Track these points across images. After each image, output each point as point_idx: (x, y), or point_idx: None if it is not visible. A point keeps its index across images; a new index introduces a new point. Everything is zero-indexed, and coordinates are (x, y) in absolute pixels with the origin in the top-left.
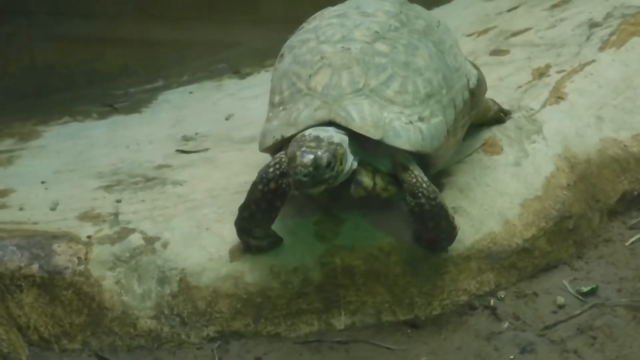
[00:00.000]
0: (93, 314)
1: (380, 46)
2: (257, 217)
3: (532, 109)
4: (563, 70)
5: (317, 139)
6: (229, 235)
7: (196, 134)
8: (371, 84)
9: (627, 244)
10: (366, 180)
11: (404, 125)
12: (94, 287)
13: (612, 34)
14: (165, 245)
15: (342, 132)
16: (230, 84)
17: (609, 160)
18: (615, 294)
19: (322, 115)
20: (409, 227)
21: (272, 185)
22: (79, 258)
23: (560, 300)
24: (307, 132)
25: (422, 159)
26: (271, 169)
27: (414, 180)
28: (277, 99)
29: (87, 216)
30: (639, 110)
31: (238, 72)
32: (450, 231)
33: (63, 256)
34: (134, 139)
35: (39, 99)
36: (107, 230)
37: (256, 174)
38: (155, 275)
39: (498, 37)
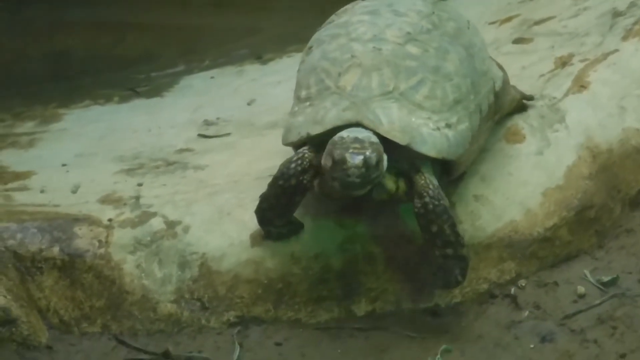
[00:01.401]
0: (113, 298)
1: (412, 48)
2: (276, 210)
3: (554, 98)
4: (586, 60)
5: (358, 140)
6: (250, 220)
7: (218, 118)
8: (401, 87)
9: None
10: (389, 183)
11: (431, 132)
12: (115, 270)
13: (635, 23)
14: (186, 230)
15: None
16: (252, 70)
17: (631, 151)
18: (636, 285)
19: (349, 116)
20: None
21: (293, 181)
22: (99, 241)
23: (581, 289)
24: (343, 134)
25: (445, 164)
26: (293, 165)
27: (423, 181)
28: (303, 93)
29: (108, 199)
30: None
31: (260, 57)
32: (456, 247)
33: (84, 239)
34: (155, 123)
35: (60, 82)
36: (128, 213)
37: (278, 160)
38: (176, 260)
39: (521, 25)
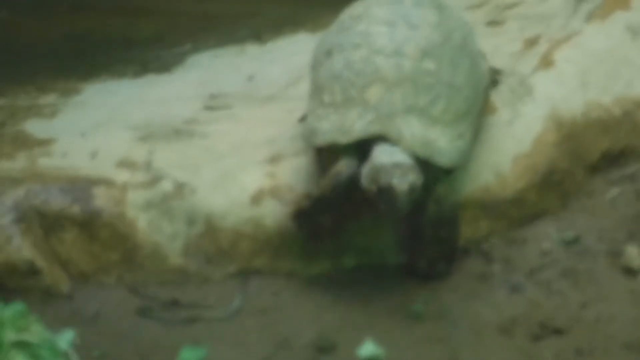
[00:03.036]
0: (127, 252)
1: (428, 64)
2: (329, 212)
3: (523, 74)
4: (552, 40)
5: (397, 164)
6: (251, 182)
7: (221, 92)
8: (420, 103)
9: (607, 197)
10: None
11: (446, 145)
12: (129, 227)
13: (597, 7)
14: (193, 191)
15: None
16: (252, 49)
17: (593, 122)
18: (596, 242)
19: (375, 129)
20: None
21: (349, 186)
22: (115, 201)
23: (547, 246)
24: (382, 160)
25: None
26: (349, 170)
27: (444, 191)
28: (327, 98)
29: (123, 164)
30: (620, 77)
31: (259, 38)
32: (453, 250)
33: (101, 199)
34: (165, 96)
35: (80, 59)
36: (141, 176)
37: (276, 129)
38: (183, 218)
39: (494, 10)
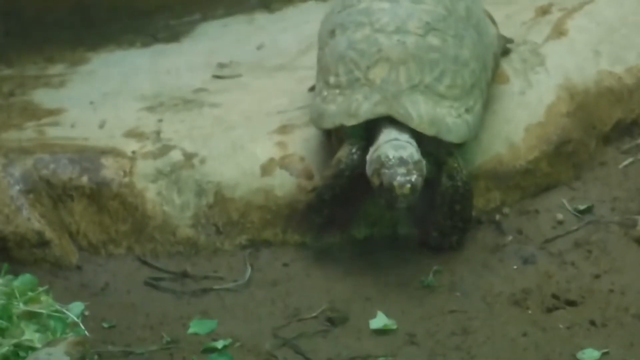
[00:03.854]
0: (137, 223)
1: (433, 40)
2: (338, 198)
3: (535, 43)
4: (564, 9)
5: (402, 160)
6: (261, 152)
7: (230, 61)
8: (426, 80)
9: (620, 167)
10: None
11: (454, 120)
12: (138, 197)
13: None
14: (202, 161)
15: (405, 133)
16: (261, 18)
17: (605, 91)
18: (609, 212)
19: (381, 110)
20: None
21: (356, 171)
22: (124, 171)
23: (560, 217)
24: (389, 154)
25: None
26: (355, 157)
27: (456, 165)
28: (332, 80)
29: (132, 134)
30: (632, 46)
31: (268, 7)
32: (467, 223)
33: (110, 169)
34: (174, 65)
35: (88, 30)
36: (150, 146)
37: (286, 98)
38: (193, 188)
39: None
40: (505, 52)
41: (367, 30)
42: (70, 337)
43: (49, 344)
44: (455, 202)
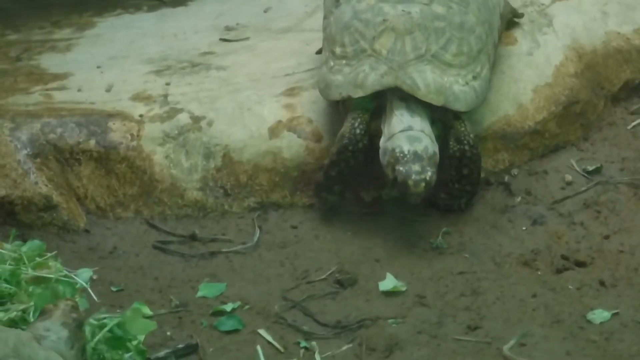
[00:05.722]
0: (145, 186)
1: (437, 7)
2: (345, 172)
3: (543, 4)
4: None
5: (417, 156)
6: (269, 115)
7: (237, 24)
8: (432, 49)
9: (629, 127)
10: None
11: (461, 88)
12: (146, 161)
13: None
14: (210, 124)
15: (414, 108)
16: None
17: (613, 51)
18: (618, 173)
19: (388, 81)
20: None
21: (360, 145)
22: (132, 135)
23: (568, 177)
24: (404, 148)
25: None
26: (357, 131)
27: (464, 128)
28: (338, 50)
29: (139, 97)
30: None
31: None
32: (475, 186)
33: (117, 133)
34: (181, 29)
35: None
36: (157, 110)
37: (293, 60)
38: (201, 151)
39: None
40: (512, 24)
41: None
42: (62, 304)
43: (43, 316)
44: (463, 166)
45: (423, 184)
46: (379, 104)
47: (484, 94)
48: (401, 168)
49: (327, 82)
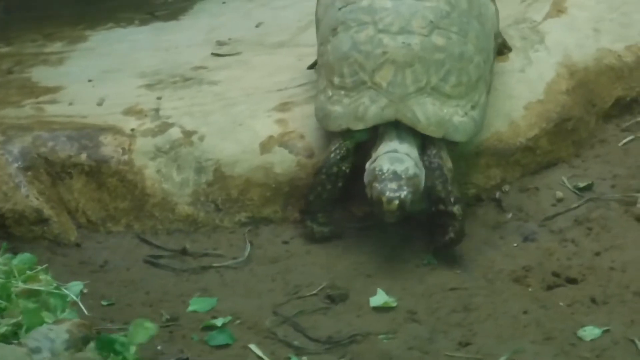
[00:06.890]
0: (136, 200)
1: (437, 39)
2: (323, 197)
3: (535, 21)
4: None
5: (395, 175)
6: (261, 130)
7: (229, 39)
8: (432, 81)
9: (620, 144)
10: None
11: (461, 119)
12: (137, 175)
13: None
14: (202, 138)
15: (406, 139)
16: None
17: (605, 69)
18: (609, 190)
19: (389, 114)
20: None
21: (335, 169)
22: (123, 149)
23: (560, 194)
24: (383, 167)
25: None
26: (332, 155)
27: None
28: (337, 80)
29: (131, 111)
30: (632, 24)
31: None
32: (447, 203)
33: (109, 147)
34: (173, 43)
35: (86, 7)
36: (149, 124)
37: (286, 75)
38: (192, 165)
39: None
40: (500, 52)
41: (371, 30)
42: (76, 319)
43: (55, 322)
44: (437, 178)
45: (397, 202)
46: (373, 134)
47: (482, 122)
48: (377, 185)
49: (326, 112)
